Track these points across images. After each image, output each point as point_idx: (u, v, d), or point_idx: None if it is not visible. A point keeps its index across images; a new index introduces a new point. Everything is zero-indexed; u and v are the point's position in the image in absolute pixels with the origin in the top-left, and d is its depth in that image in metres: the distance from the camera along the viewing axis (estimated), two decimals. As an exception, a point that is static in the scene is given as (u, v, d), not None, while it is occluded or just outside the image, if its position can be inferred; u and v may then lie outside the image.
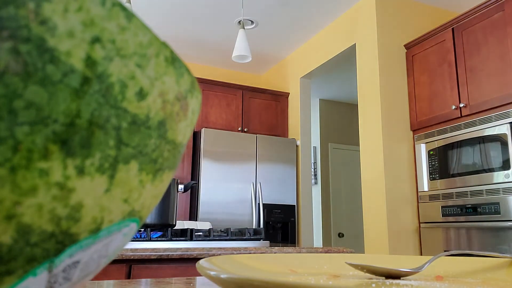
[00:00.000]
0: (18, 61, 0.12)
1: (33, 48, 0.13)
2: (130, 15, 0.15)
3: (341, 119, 5.35)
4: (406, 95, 3.03)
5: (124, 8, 0.15)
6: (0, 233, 0.13)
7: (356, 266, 0.30)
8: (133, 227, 0.18)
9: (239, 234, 1.82)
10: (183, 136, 0.19)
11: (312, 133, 5.20)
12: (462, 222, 2.50)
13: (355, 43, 3.29)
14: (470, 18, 2.61)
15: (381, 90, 2.95)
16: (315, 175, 4.95)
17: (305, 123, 4.06)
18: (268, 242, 2.03)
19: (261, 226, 3.65)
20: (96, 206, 0.15)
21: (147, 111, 0.16)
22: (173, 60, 0.17)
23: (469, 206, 2.46)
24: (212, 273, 0.23)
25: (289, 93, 4.26)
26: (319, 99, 5.26)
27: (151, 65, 0.16)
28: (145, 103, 0.16)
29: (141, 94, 0.16)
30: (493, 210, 2.32)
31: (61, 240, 0.15)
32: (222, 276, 0.22)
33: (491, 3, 2.47)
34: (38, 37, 0.13)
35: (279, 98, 4.27)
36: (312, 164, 5.01)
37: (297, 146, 4.00)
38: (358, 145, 5.32)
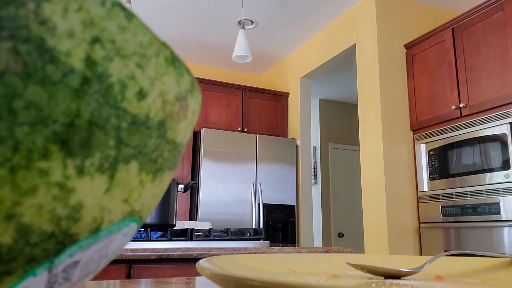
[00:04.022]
0: (18, 61, 0.12)
1: (33, 48, 0.13)
2: (130, 15, 0.15)
3: (341, 119, 5.35)
4: (406, 95, 3.03)
5: (124, 8, 0.15)
6: (0, 233, 0.13)
7: (356, 266, 0.30)
8: (133, 227, 0.18)
9: (239, 234, 1.83)
10: (183, 136, 0.19)
11: (312, 133, 5.20)
12: (462, 222, 2.50)
13: (355, 43, 3.29)
14: (470, 18, 2.61)
15: (381, 90, 2.95)
16: (315, 175, 4.95)
17: (305, 123, 4.06)
18: (268, 242, 2.03)
19: (261, 226, 3.65)
20: (96, 206, 0.15)
21: (147, 111, 0.16)
22: (173, 60, 0.17)
23: (469, 206, 2.46)
24: (212, 273, 0.23)
25: (289, 93, 4.26)
26: (319, 99, 5.26)
27: (151, 65, 0.16)
28: (145, 103, 0.16)
29: (141, 94, 0.16)
30: (493, 210, 2.32)
31: (61, 240, 0.15)
32: (222, 276, 0.22)
33: (491, 3, 2.47)
34: (38, 37, 0.13)
35: (279, 98, 4.27)
36: (312, 164, 5.01)
37: (297, 146, 4.00)
38: (358, 145, 5.32)
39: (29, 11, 0.13)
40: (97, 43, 0.14)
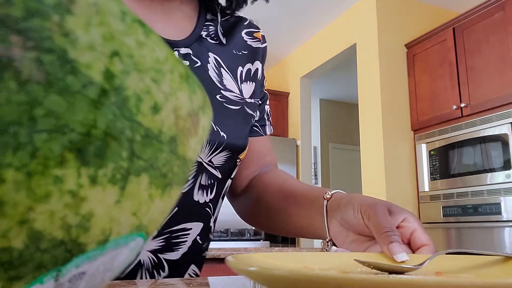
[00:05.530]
0: (40, 71, 0.13)
1: (55, 59, 0.13)
2: (148, 31, 0.16)
3: (341, 119, 5.35)
4: (406, 94, 3.03)
5: (143, 24, 0.16)
6: (12, 237, 0.13)
7: (363, 263, 0.33)
8: (139, 242, 0.18)
9: (239, 235, 1.83)
10: (193, 152, 0.19)
11: (312, 133, 5.20)
12: (463, 222, 2.50)
13: (355, 43, 3.29)
14: (471, 18, 2.61)
15: (381, 90, 2.95)
16: (315, 175, 4.95)
17: (305, 123, 4.06)
18: (268, 242, 2.03)
19: (262, 226, 3.66)
20: (106, 217, 0.15)
21: (160, 125, 0.17)
22: (187, 76, 0.18)
23: (470, 206, 2.46)
24: (253, 268, 0.24)
25: (289, 93, 4.26)
26: (319, 99, 5.26)
27: (166, 80, 0.17)
28: (158, 118, 0.16)
29: (155, 109, 0.16)
30: (494, 211, 2.32)
31: (70, 249, 0.15)
32: (267, 272, 0.23)
33: (492, 3, 2.47)
34: (60, 49, 0.13)
35: (279, 98, 4.27)
36: (312, 164, 5.01)
37: (297, 146, 4.00)
38: (358, 145, 5.31)
39: (53, 23, 0.13)
40: (116, 57, 0.15)
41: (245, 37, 0.63)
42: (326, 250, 0.47)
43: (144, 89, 0.16)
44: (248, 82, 0.61)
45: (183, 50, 0.54)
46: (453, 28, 2.71)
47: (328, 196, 0.49)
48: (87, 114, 0.14)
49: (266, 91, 0.67)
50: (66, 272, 0.15)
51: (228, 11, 0.64)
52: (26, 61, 0.13)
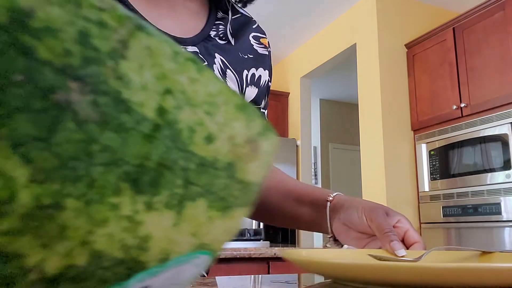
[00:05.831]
0: (96, 111, 0.14)
1: (110, 100, 0.14)
2: (201, 68, 0.17)
3: (341, 119, 5.35)
4: (406, 94, 3.03)
5: (196, 62, 0.17)
6: (75, 256, 0.15)
7: (375, 257, 0.42)
8: (204, 259, 0.19)
9: (239, 235, 1.83)
10: (254, 175, 0.20)
11: (312, 133, 5.20)
12: (463, 222, 2.50)
13: (355, 43, 3.29)
14: (471, 18, 2.61)
15: (381, 90, 2.95)
16: (315, 175, 4.95)
17: (305, 123, 4.06)
18: (268, 242, 2.04)
19: (261, 226, 3.66)
20: (164, 238, 0.17)
21: (215, 153, 0.17)
22: (244, 106, 0.19)
23: (470, 206, 2.46)
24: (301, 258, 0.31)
25: (289, 93, 4.26)
26: (319, 99, 5.26)
27: (220, 112, 0.18)
28: (213, 147, 0.17)
29: (209, 139, 0.17)
30: (494, 211, 2.33)
31: (131, 267, 0.16)
32: (333, 261, 0.31)
33: (492, 3, 2.48)
34: (115, 91, 0.15)
35: (279, 98, 4.26)
36: (312, 164, 5.01)
37: (297, 146, 4.00)
38: (358, 145, 5.31)
39: (108, 68, 0.14)
40: (169, 94, 0.16)
41: (252, 41, 0.64)
42: (327, 246, 0.55)
43: (197, 122, 0.17)
44: (252, 86, 0.62)
45: (190, 49, 0.54)
46: (453, 28, 2.71)
47: (330, 198, 0.55)
48: (140, 147, 0.15)
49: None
50: (129, 286, 0.16)
51: (239, 5, 0.64)
52: (83, 104, 0.14)
